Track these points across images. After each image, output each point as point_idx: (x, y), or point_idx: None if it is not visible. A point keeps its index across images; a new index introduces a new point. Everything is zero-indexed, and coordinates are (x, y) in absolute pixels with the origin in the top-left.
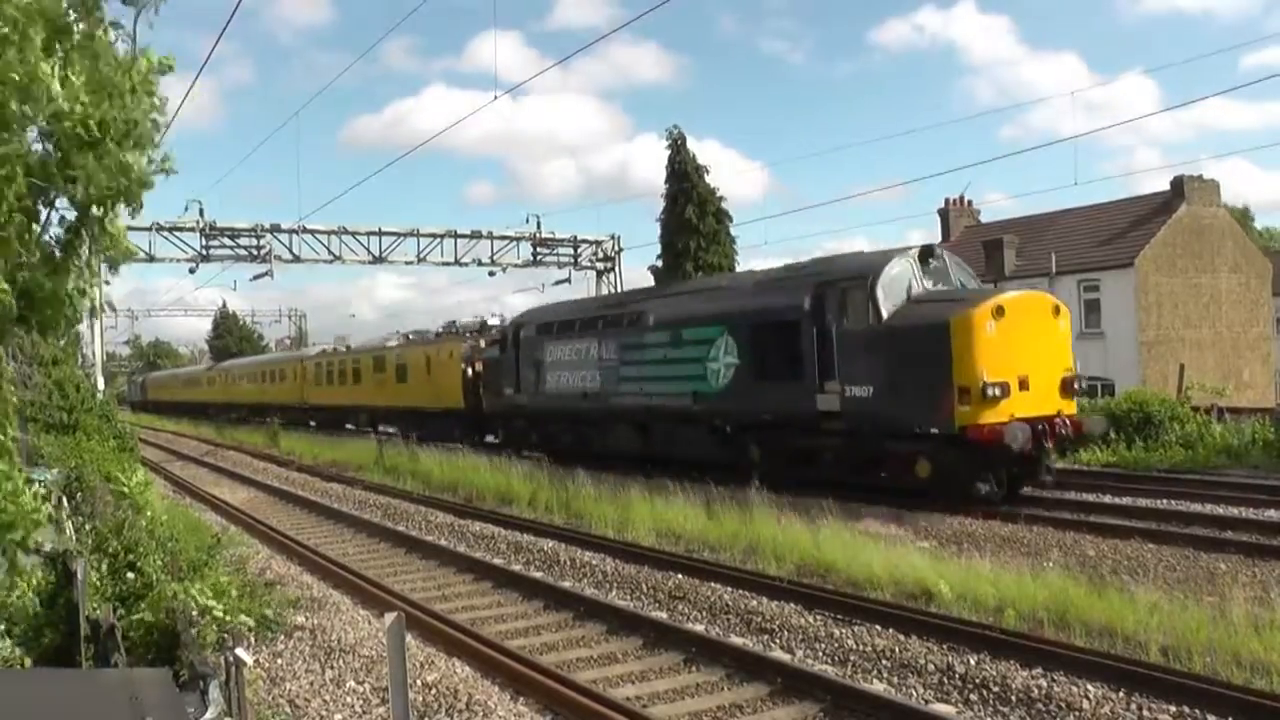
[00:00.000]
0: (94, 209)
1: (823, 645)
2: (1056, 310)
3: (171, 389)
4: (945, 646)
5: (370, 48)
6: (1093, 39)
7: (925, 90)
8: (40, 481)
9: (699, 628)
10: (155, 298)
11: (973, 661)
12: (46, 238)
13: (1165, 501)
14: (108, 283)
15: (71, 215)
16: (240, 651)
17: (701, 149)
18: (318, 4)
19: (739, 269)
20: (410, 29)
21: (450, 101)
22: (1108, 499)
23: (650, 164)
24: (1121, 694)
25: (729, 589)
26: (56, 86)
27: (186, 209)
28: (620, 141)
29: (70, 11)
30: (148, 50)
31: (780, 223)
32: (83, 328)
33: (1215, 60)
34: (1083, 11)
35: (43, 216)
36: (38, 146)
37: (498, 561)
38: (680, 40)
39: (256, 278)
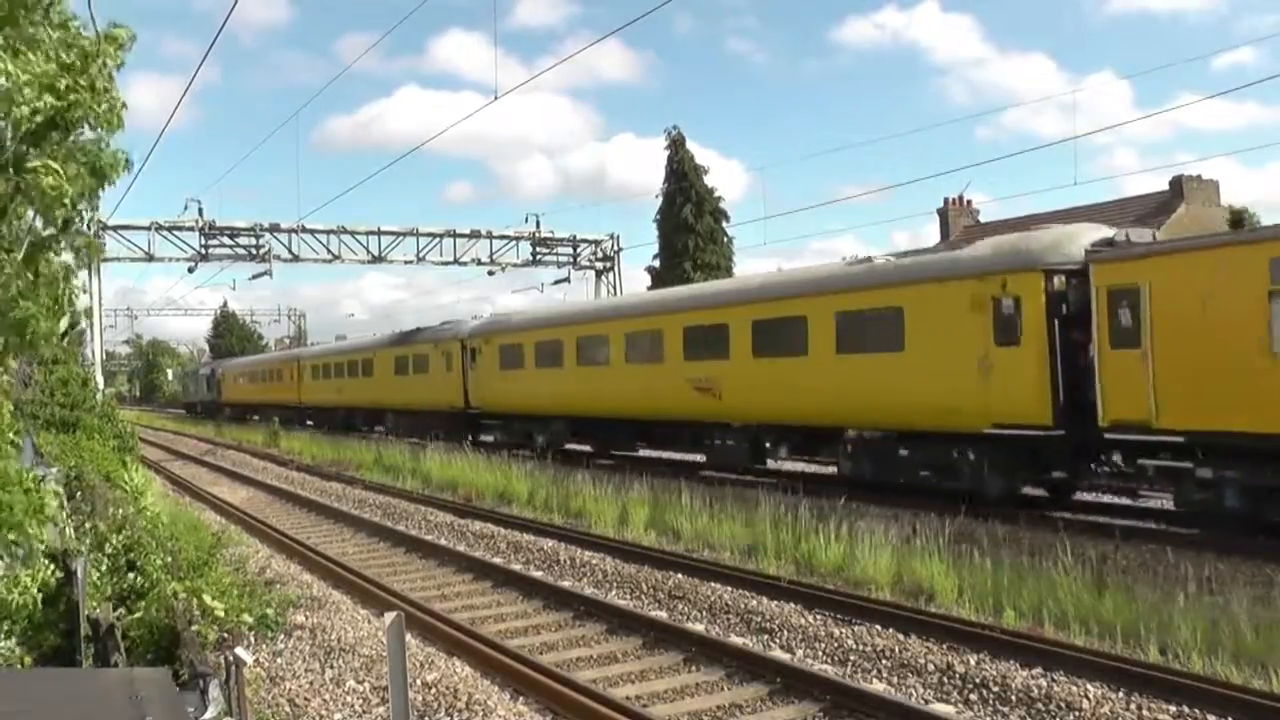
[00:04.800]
0: (75, 205)
1: (822, 645)
2: None
3: (289, 383)
4: (945, 646)
5: (364, 53)
6: (1061, 39)
7: (896, 91)
8: (43, 478)
9: (699, 627)
10: (148, 298)
11: (973, 661)
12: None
13: (1162, 502)
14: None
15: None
16: (240, 651)
17: None
18: (275, 4)
19: (736, 270)
20: (371, 28)
21: (424, 103)
22: (1107, 499)
23: (628, 164)
24: (1121, 694)
25: (729, 588)
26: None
27: (185, 208)
28: (595, 141)
29: None
30: (110, 31)
31: (773, 224)
32: (82, 325)
33: (1187, 59)
34: (1049, 11)
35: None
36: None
37: (497, 561)
38: (642, 38)
39: (255, 277)
